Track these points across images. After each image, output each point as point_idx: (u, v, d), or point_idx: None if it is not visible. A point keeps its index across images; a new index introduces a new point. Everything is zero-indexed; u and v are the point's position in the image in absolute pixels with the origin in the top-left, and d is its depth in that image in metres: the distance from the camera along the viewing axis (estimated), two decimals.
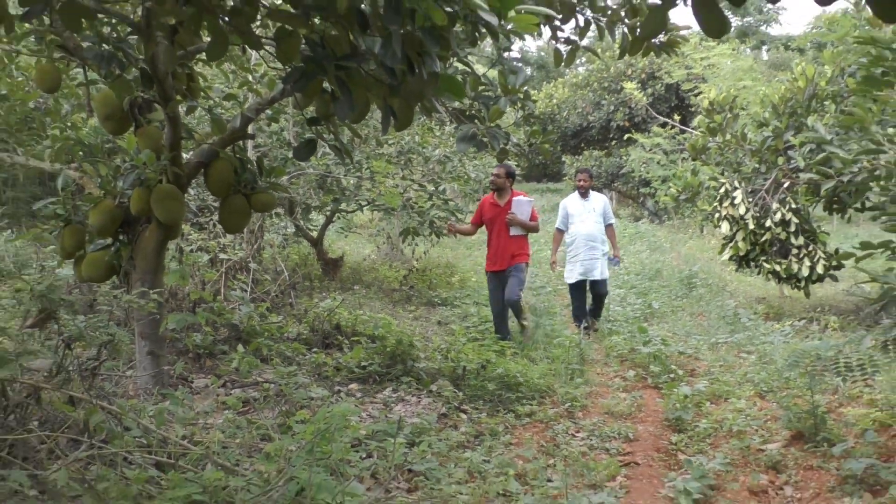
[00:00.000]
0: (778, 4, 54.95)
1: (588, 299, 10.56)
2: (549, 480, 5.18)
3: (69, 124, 6.75)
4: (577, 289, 10.28)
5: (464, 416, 6.39)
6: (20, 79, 7.04)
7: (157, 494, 3.50)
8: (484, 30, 3.44)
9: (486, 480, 5.02)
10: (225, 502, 3.62)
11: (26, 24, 4.86)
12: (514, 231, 9.10)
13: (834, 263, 11.07)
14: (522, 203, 9.17)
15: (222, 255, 8.27)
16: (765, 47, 46.78)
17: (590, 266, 10.09)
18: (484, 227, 9.57)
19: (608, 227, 10.40)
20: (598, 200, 10.50)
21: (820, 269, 11.05)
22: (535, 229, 9.48)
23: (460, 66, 4.79)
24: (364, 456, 5.04)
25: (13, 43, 6.44)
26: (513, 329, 9.38)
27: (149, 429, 4.06)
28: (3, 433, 3.73)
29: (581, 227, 10.25)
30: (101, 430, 3.72)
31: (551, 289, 13.32)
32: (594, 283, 10.17)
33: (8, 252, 9.74)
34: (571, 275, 10.30)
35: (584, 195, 10.46)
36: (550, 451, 5.84)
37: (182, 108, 5.32)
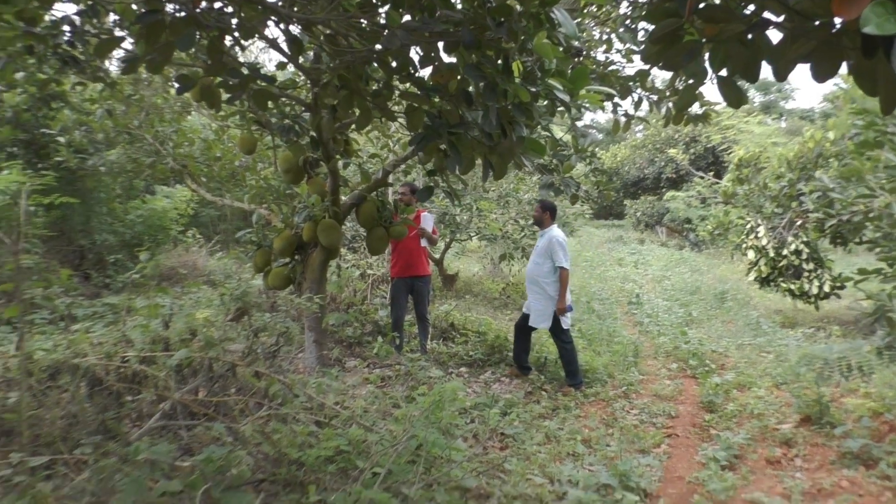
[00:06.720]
0: (793, 84, 52.62)
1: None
2: (608, 445, 5.04)
3: (262, 177, 7.00)
4: (519, 321, 6.77)
5: (544, 394, 6.28)
6: (229, 145, 7.36)
7: (316, 444, 3.55)
8: (559, 104, 3.39)
9: (560, 443, 4.93)
10: (364, 453, 3.64)
11: (231, 106, 5.06)
12: (423, 242, 7.03)
13: (838, 284, 10.65)
14: (427, 218, 7.14)
15: (369, 271, 8.40)
16: (783, 118, 44.91)
17: (530, 305, 6.64)
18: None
19: (560, 269, 6.39)
20: (546, 237, 6.54)
21: (826, 289, 10.64)
22: (434, 241, 7.28)
23: (543, 132, 4.74)
24: (468, 421, 5.02)
25: (225, 120, 6.74)
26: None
27: (311, 396, 4.13)
28: (210, 396, 3.86)
29: (529, 264, 6.81)
30: (278, 396, 3.80)
31: (613, 300, 12.99)
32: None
33: (218, 267, 10.15)
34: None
35: (540, 229, 6.79)
36: (610, 422, 5.68)
37: (340, 164, 5.45)
